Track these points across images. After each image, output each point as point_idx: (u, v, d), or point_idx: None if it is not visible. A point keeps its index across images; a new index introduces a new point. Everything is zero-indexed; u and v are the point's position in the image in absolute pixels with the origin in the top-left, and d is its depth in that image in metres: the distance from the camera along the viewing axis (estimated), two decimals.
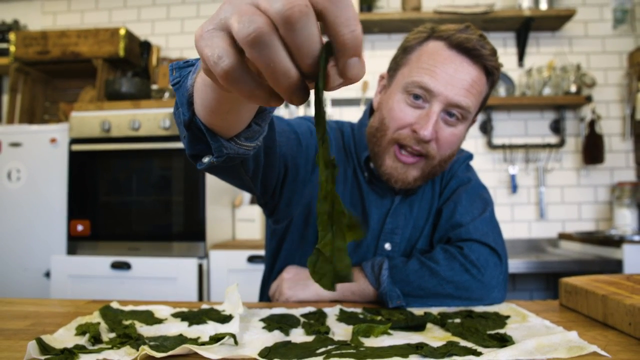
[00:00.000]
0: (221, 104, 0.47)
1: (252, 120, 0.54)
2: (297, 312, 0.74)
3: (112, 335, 0.60)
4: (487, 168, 2.66)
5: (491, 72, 0.86)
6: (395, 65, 0.90)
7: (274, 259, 1.00)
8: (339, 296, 0.85)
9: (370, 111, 0.98)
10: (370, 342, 0.57)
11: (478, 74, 0.84)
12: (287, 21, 0.29)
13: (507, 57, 2.71)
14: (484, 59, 0.83)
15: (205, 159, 0.59)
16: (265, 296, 1.03)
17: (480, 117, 2.69)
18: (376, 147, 0.89)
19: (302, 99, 0.32)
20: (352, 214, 0.35)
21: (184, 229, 2.22)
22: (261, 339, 0.57)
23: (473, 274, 0.81)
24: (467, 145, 1.18)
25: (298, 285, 0.87)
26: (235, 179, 0.79)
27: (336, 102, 2.71)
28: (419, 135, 0.82)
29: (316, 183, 0.91)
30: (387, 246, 0.94)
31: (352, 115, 2.66)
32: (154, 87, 2.57)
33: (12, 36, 2.59)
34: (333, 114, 2.68)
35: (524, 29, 2.60)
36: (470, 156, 1.05)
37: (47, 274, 2.24)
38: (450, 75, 0.82)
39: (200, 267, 2.15)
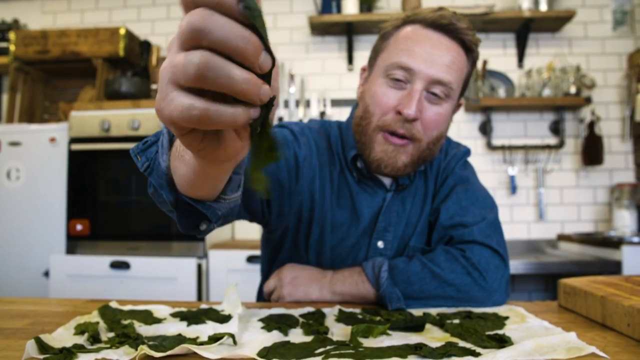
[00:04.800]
0: (207, 174, 0.47)
1: (232, 172, 0.54)
2: (296, 312, 0.74)
3: (111, 334, 0.60)
4: (486, 169, 2.66)
5: (470, 47, 0.86)
6: (375, 54, 0.91)
7: (270, 266, 1.00)
8: (338, 299, 0.85)
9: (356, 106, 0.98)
10: (369, 342, 0.57)
11: (457, 50, 0.84)
12: (227, 46, 0.30)
13: (506, 58, 2.71)
14: (461, 32, 0.83)
15: (203, 227, 0.60)
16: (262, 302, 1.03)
17: (480, 118, 2.70)
18: (363, 137, 0.89)
19: (270, 62, 0.33)
20: (276, 140, 0.37)
21: None
22: (260, 339, 0.57)
23: (474, 277, 0.80)
24: (466, 145, 1.16)
25: (298, 291, 0.86)
26: None
27: (336, 103, 2.71)
28: (403, 115, 0.82)
29: (302, 190, 0.91)
30: (380, 244, 0.93)
31: None
32: (154, 86, 2.57)
33: (12, 35, 2.59)
34: (332, 114, 2.68)
35: (524, 30, 2.61)
36: (467, 151, 1.03)
37: (46, 274, 2.24)
38: (429, 53, 0.82)
39: (199, 266, 2.15)
